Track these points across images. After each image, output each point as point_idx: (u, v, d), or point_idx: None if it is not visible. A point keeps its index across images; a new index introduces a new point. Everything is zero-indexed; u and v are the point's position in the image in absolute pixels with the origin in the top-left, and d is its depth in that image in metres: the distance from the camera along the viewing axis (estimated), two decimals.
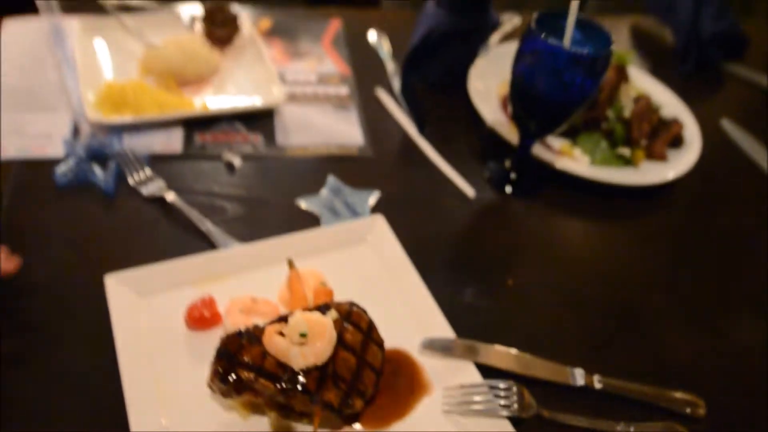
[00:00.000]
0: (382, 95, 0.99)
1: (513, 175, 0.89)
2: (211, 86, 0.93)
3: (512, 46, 1.05)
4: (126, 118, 0.82)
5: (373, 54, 1.09)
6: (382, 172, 0.87)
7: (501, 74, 1.04)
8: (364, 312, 0.60)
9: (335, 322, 0.56)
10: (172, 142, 0.84)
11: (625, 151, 0.93)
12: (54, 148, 0.79)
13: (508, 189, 0.88)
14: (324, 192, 0.81)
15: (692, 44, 1.21)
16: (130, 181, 0.77)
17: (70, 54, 0.93)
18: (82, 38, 0.93)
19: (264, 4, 1.16)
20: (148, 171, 0.77)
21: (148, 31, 0.97)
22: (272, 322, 0.56)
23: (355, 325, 0.57)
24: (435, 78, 1.03)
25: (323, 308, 0.57)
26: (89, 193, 0.76)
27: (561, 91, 0.76)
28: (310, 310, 0.58)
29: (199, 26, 1.00)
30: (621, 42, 1.27)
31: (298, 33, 1.09)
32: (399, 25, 1.17)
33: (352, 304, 0.60)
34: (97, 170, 0.76)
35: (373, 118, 0.95)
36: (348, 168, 0.86)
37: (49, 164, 0.77)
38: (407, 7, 1.48)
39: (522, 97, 0.81)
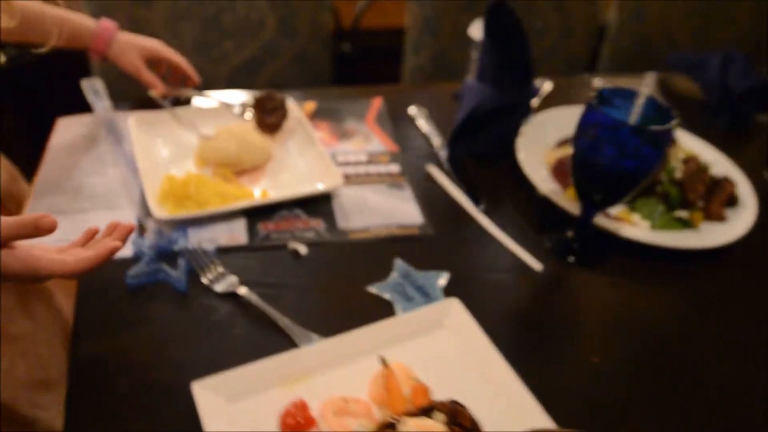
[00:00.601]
0: (434, 171, 0.99)
1: (575, 245, 0.88)
2: (266, 174, 0.94)
3: (553, 113, 1.07)
4: (191, 212, 0.82)
5: (416, 129, 1.10)
6: (445, 249, 0.87)
7: (545, 141, 1.06)
8: (467, 410, 0.58)
9: (445, 425, 0.54)
10: (236, 233, 0.84)
11: (683, 213, 0.93)
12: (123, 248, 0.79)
13: (571, 259, 0.88)
14: (393, 276, 0.80)
15: (725, 98, 1.23)
16: (204, 279, 0.76)
17: (129, 150, 0.94)
18: (137, 133, 0.95)
19: (297, 89, 1.18)
20: (219, 267, 0.77)
21: (200, 121, 0.99)
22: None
23: (462, 427, 0.55)
24: (482, 150, 1.04)
25: (427, 411, 0.56)
26: (161, 292, 0.75)
27: (626, 163, 0.76)
28: (413, 413, 0.56)
29: (249, 115, 1.02)
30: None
31: (342, 113, 1.11)
32: (437, 99, 1.19)
33: (454, 403, 0.58)
34: (168, 269, 0.76)
35: (428, 194, 0.95)
36: (412, 248, 0.85)
37: (118, 264, 0.77)
38: (431, 81, 1.53)
39: (585, 170, 0.81)
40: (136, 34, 1.00)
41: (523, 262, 0.86)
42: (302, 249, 0.82)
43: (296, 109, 1.03)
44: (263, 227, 0.85)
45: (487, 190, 0.98)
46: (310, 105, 1.11)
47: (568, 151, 1.02)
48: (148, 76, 0.97)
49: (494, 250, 0.88)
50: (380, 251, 0.85)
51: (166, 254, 0.78)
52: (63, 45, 0.88)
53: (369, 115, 1.11)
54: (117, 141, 0.96)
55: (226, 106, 1.03)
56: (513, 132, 1.03)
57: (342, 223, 0.88)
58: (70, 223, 0.82)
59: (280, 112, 0.99)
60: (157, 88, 0.97)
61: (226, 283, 0.75)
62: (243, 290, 0.75)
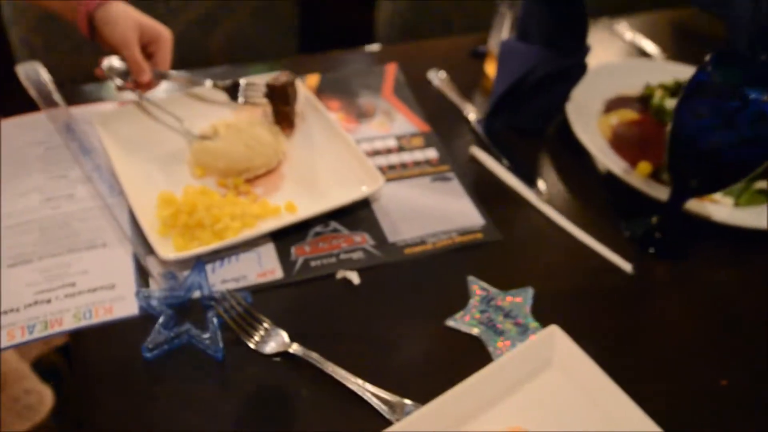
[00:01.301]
0: (478, 153, 0.83)
1: (659, 235, 0.76)
2: (283, 178, 0.75)
3: (591, 70, 0.90)
4: (208, 245, 0.63)
5: (442, 99, 0.93)
6: (516, 255, 0.72)
7: (594, 106, 0.92)
8: None
9: None
10: (267, 265, 0.66)
11: (763, 184, 0.81)
12: (123, 304, 0.60)
13: (652, 249, 0.75)
14: (473, 303, 0.65)
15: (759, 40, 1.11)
16: (246, 339, 0.58)
17: (102, 162, 0.72)
18: (109, 137, 0.73)
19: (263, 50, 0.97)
20: (264, 323, 0.59)
21: (185, 114, 0.78)
22: None
23: None
24: (526, 122, 0.88)
25: None
26: (189, 360, 0.57)
27: (745, 149, 0.63)
28: None
29: (241, 99, 0.81)
30: (664, 38, 1.16)
31: (352, 86, 0.91)
32: (452, 59, 1.01)
33: None
34: (195, 330, 0.58)
35: (478, 183, 0.80)
36: (480, 259, 0.70)
37: (125, 331, 0.58)
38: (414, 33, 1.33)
39: (686, 153, 0.67)
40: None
41: (607, 262, 0.73)
42: (355, 278, 0.66)
43: (301, 86, 0.83)
44: (298, 252, 0.68)
45: (540, 171, 0.83)
46: (313, 78, 0.91)
47: (626, 116, 0.89)
48: (139, 57, 0.73)
49: (570, 247, 0.74)
50: (445, 268, 0.69)
51: (184, 306, 0.60)
52: None
53: (385, 85, 0.92)
54: (83, 149, 0.74)
55: (216, 92, 0.82)
56: (563, 100, 0.87)
57: (392, 235, 0.71)
58: (41, 274, 0.62)
59: (294, 96, 0.79)
60: (142, 76, 0.74)
61: (274, 340, 0.58)
62: (295, 347, 0.58)
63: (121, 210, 0.68)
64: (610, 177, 0.81)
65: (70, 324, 0.58)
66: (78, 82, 0.85)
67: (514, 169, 0.81)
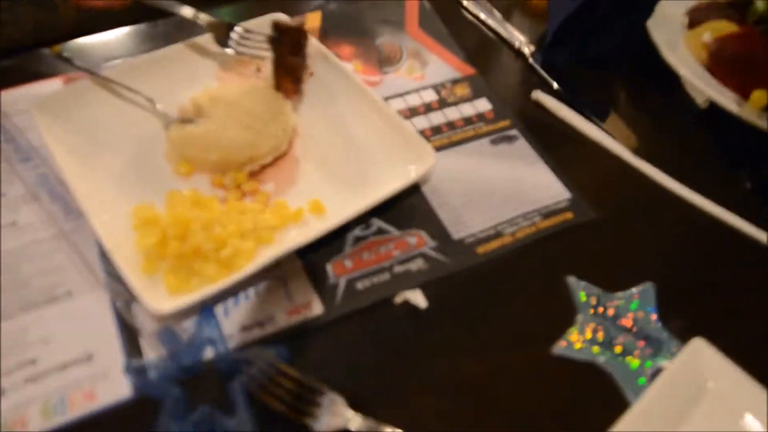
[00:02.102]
0: (544, 98, 0.64)
1: None
2: (299, 164, 0.55)
3: None
4: (215, 284, 0.45)
5: (483, 29, 0.72)
6: (621, 237, 0.55)
7: (676, 19, 0.72)
8: None
9: None
10: (299, 296, 0.48)
11: None
12: (109, 385, 0.42)
13: None
14: (581, 319, 0.48)
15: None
16: (297, 420, 0.41)
17: (47, 171, 0.52)
18: (50, 133, 0.52)
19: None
20: (313, 388, 0.42)
21: (152, 85, 0.57)
22: None
23: None
24: (599, 53, 0.68)
25: None
26: None
27: None
28: None
29: (230, 51, 0.60)
30: None
31: (366, 23, 0.70)
32: None
33: None
34: (217, 415, 0.41)
35: (551, 140, 0.61)
36: (576, 249, 0.53)
37: (112, 421, 0.41)
38: None
39: None
40: None
41: (734, 232, 0.56)
42: (420, 300, 0.48)
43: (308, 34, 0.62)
44: (337, 271, 0.49)
45: (625, 116, 0.65)
46: (314, 18, 0.69)
47: (722, 29, 0.69)
48: None
49: (684, 217, 0.57)
50: (534, 267, 0.52)
51: (195, 377, 0.43)
52: None
53: (408, 17, 0.71)
54: (19, 152, 0.54)
55: (182, 49, 0.60)
56: (640, 26, 0.67)
57: (456, 229, 0.53)
58: None
59: (306, 44, 0.59)
60: None
61: (327, 412, 0.42)
62: (358, 422, 0.41)
63: (85, 239, 0.49)
64: (715, 113, 0.63)
65: (38, 425, 0.40)
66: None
67: (594, 116, 0.63)
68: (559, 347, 0.47)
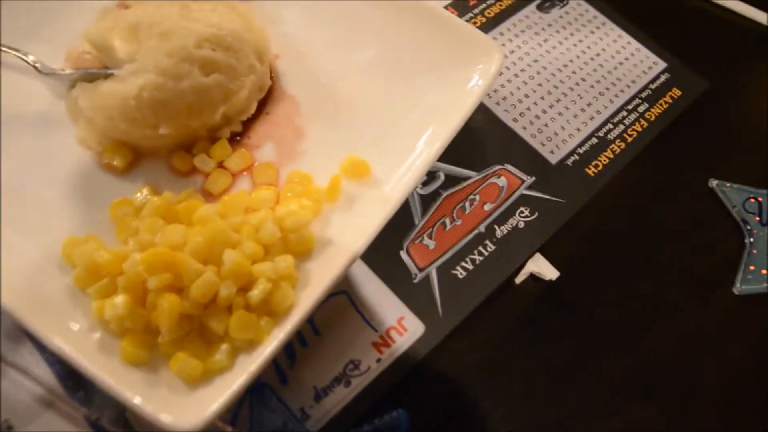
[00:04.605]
0: None
1: None
2: (295, 105, 0.35)
3: None
4: (257, 352, 0.26)
5: None
6: (746, 107, 0.41)
7: None
8: None
9: None
10: (380, 312, 0.31)
11: None
12: None
13: None
14: (750, 240, 0.35)
15: None
16: None
17: None
18: None
19: None
20: None
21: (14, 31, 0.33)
22: None
23: None
24: None
25: None
26: None
27: None
28: None
29: None
30: None
31: None
32: None
33: None
34: None
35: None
36: (703, 136, 0.39)
37: None
38: None
39: None
40: None
41: None
42: (549, 269, 0.33)
43: None
44: (418, 260, 0.32)
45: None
46: None
47: None
48: None
49: None
50: (662, 177, 0.37)
51: None
52: None
53: None
54: None
55: None
56: None
57: (550, 149, 0.37)
58: None
59: None
60: None
61: None
62: None
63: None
64: None
65: None
66: None
67: None
68: (741, 284, 0.34)
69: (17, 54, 0.32)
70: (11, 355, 0.29)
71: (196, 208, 0.29)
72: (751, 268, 0.34)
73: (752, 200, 0.37)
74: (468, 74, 0.34)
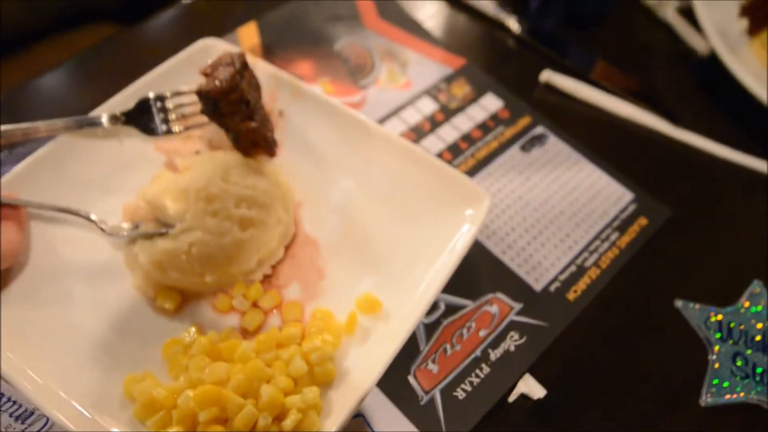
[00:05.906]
0: (556, 78, 0.54)
1: None
2: (315, 248, 0.41)
3: None
4: None
5: (452, 8, 0.59)
6: (706, 234, 0.47)
7: None
8: None
9: None
10: None
11: None
12: None
13: None
14: (713, 355, 0.41)
15: None
16: None
17: None
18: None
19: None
20: None
21: (77, 196, 0.39)
22: None
23: None
24: (587, 7, 0.59)
25: None
26: None
27: None
28: None
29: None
30: None
31: (315, 24, 0.54)
32: None
33: None
34: None
35: (584, 130, 0.51)
36: (668, 260, 0.45)
37: None
38: None
39: None
40: None
41: None
42: (537, 388, 0.38)
43: (257, 61, 0.46)
44: (423, 383, 0.37)
45: (644, 77, 0.56)
46: (249, 32, 0.53)
47: None
48: None
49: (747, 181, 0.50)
50: (634, 299, 0.43)
51: None
52: None
53: (362, 8, 0.56)
54: None
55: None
56: None
57: (535, 277, 0.42)
58: None
59: (255, 84, 0.43)
60: None
61: None
62: None
63: None
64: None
65: None
66: None
67: (616, 85, 0.54)
68: (707, 396, 0.39)
69: (85, 217, 0.38)
70: None
71: (237, 348, 0.34)
72: (715, 381, 0.39)
73: (713, 318, 0.42)
74: (462, 217, 0.41)
